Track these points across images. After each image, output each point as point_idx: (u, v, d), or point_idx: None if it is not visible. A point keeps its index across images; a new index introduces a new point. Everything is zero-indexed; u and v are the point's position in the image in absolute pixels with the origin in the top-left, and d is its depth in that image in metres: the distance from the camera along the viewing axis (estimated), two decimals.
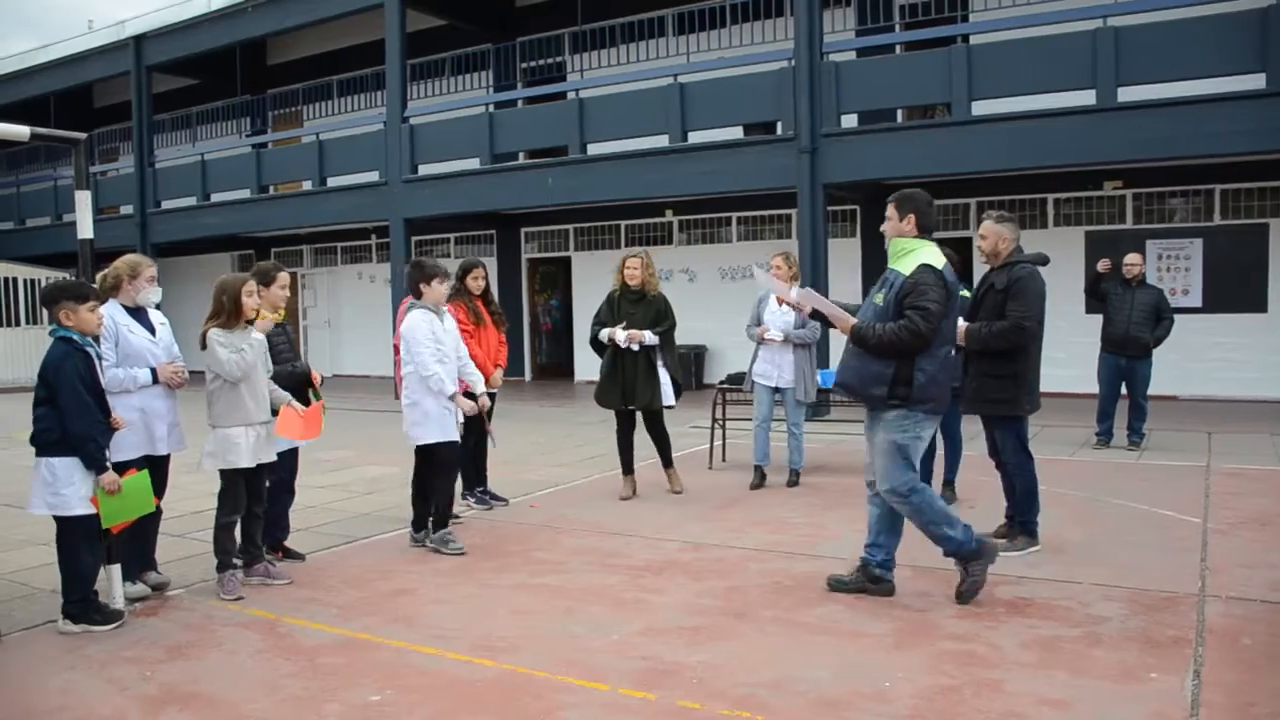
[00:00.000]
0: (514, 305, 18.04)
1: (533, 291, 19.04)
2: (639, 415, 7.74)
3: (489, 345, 7.36)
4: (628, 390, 7.54)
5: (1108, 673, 4.02)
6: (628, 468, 7.85)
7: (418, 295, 6.21)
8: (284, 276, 5.96)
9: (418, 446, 6.30)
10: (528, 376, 18.83)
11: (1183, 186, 13.23)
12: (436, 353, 6.11)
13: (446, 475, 6.31)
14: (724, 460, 9.21)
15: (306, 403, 5.80)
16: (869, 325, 4.89)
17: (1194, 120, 10.74)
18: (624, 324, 7.49)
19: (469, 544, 6.34)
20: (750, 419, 8.27)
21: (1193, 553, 5.80)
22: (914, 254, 4.92)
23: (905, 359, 4.83)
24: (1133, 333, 9.38)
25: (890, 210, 5.03)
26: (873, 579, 5.12)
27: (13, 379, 17.35)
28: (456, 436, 6.26)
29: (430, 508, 6.37)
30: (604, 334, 7.58)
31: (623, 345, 7.46)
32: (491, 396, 6.92)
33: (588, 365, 7.82)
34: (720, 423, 9.24)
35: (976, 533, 5.05)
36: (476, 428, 6.89)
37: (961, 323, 5.90)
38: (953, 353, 5.08)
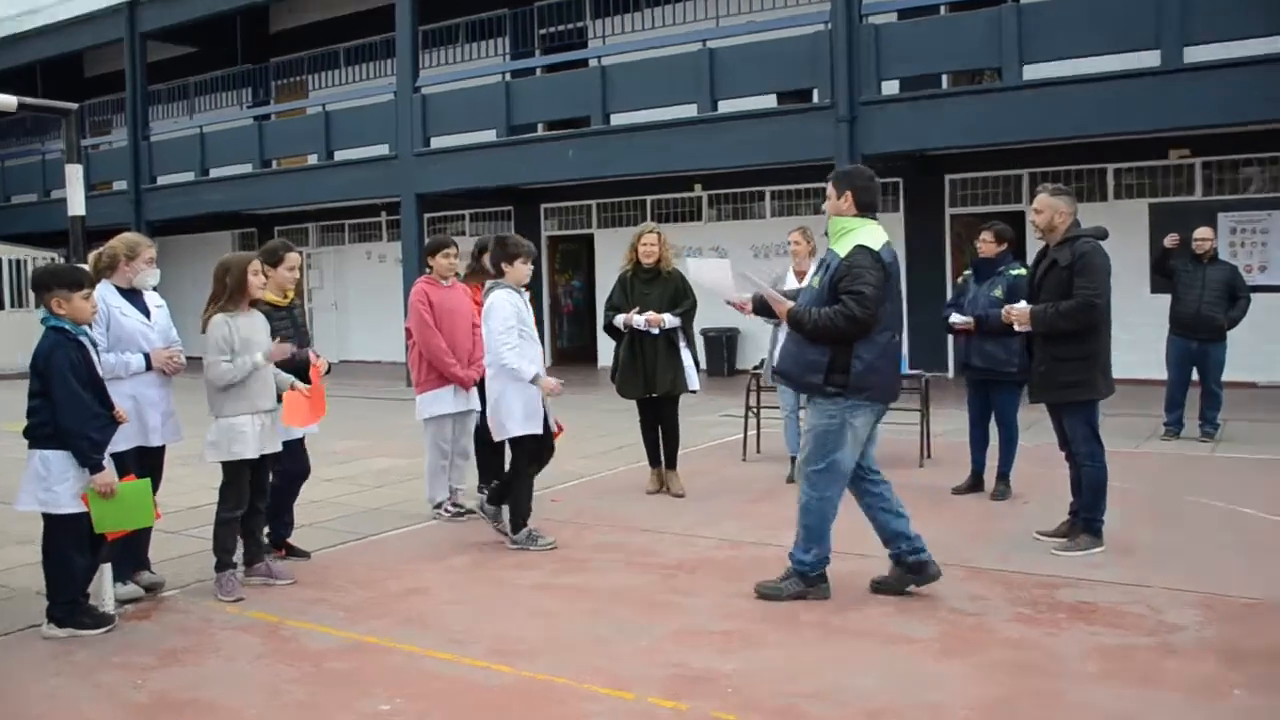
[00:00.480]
0: (533, 286, 17.74)
1: (553, 271, 19.03)
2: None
3: None
4: (649, 377, 7.46)
5: (1182, 686, 3.92)
6: (655, 460, 7.78)
7: (500, 274, 6.22)
8: (293, 257, 5.95)
9: (505, 441, 6.28)
10: (548, 361, 18.71)
11: (1258, 154, 12.98)
12: (520, 335, 6.09)
13: (526, 468, 6.29)
14: (758, 451, 9.13)
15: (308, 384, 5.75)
16: (805, 310, 4.92)
17: (1268, 81, 10.50)
18: (638, 307, 7.41)
19: (485, 540, 6.32)
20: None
21: (1277, 554, 5.68)
22: (851, 234, 4.94)
23: (843, 346, 4.84)
24: (1204, 313, 9.19)
25: (829, 188, 5.07)
26: (912, 569, 5.08)
27: None
28: (539, 428, 6.21)
29: (504, 497, 6.38)
30: (619, 320, 7.49)
31: (641, 329, 7.38)
32: None
33: (611, 349, 7.74)
34: (754, 411, 9.16)
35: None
36: None
37: (1024, 305, 5.83)
38: (895, 339, 5.05)
